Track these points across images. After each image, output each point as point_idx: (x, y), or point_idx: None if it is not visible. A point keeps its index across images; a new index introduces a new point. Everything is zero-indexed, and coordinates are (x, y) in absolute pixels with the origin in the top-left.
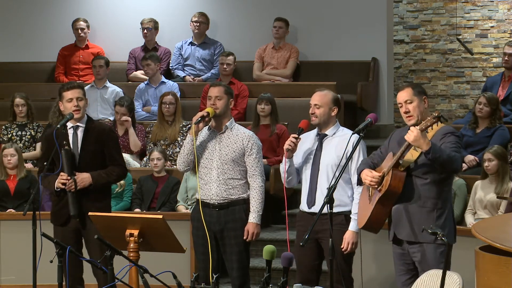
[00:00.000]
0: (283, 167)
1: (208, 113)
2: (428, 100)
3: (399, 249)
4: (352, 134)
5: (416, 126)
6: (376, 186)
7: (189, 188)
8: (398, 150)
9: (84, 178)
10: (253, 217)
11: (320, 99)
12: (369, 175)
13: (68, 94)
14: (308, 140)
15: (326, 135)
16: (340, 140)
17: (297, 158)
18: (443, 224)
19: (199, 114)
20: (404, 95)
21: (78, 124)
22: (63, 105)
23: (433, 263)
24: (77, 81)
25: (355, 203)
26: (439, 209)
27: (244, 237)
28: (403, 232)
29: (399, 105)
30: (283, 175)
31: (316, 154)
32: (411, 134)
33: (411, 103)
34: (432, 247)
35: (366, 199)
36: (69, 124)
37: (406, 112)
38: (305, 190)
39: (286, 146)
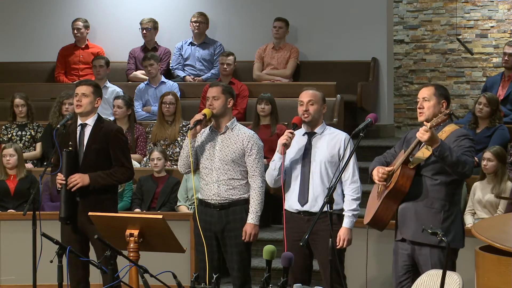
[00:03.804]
0: (275, 164)
1: (204, 115)
2: (446, 104)
3: (403, 249)
4: (352, 133)
5: (426, 124)
6: (385, 183)
7: (190, 188)
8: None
9: (81, 177)
10: (251, 218)
11: (313, 96)
12: (379, 171)
13: (76, 90)
14: (293, 140)
15: (315, 133)
16: (331, 138)
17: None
18: (449, 227)
19: (196, 117)
20: (424, 92)
21: (86, 122)
22: None
23: (436, 266)
24: (93, 80)
25: (347, 200)
26: (446, 211)
27: (242, 238)
28: (408, 232)
29: (418, 100)
30: (274, 173)
31: (306, 153)
32: (425, 134)
33: (428, 101)
34: (437, 250)
35: (375, 195)
36: (78, 122)
37: (419, 108)
38: (294, 189)
39: (283, 140)
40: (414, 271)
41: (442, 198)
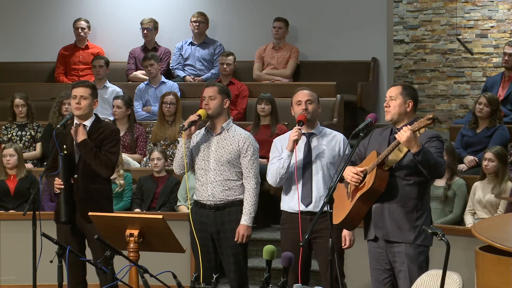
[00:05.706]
0: (283, 162)
1: (199, 115)
2: (413, 105)
3: (376, 248)
4: (352, 133)
5: (408, 126)
6: (358, 184)
7: (190, 188)
8: (381, 149)
9: (83, 130)
10: (245, 219)
11: (310, 96)
12: (352, 171)
13: (74, 92)
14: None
15: (313, 133)
16: (330, 139)
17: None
18: (421, 225)
19: (191, 118)
20: (392, 90)
21: (84, 123)
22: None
23: (410, 264)
24: (89, 81)
25: None
26: (419, 210)
27: (235, 239)
28: (382, 231)
29: (385, 98)
30: (282, 171)
31: (306, 153)
32: (404, 135)
33: (394, 100)
34: (411, 247)
35: (344, 195)
36: (76, 122)
37: (386, 107)
38: (295, 189)
39: (295, 136)
40: (393, 270)
41: (415, 198)
